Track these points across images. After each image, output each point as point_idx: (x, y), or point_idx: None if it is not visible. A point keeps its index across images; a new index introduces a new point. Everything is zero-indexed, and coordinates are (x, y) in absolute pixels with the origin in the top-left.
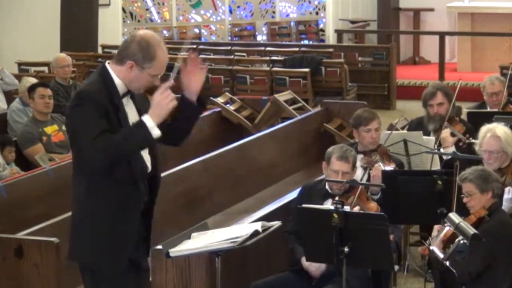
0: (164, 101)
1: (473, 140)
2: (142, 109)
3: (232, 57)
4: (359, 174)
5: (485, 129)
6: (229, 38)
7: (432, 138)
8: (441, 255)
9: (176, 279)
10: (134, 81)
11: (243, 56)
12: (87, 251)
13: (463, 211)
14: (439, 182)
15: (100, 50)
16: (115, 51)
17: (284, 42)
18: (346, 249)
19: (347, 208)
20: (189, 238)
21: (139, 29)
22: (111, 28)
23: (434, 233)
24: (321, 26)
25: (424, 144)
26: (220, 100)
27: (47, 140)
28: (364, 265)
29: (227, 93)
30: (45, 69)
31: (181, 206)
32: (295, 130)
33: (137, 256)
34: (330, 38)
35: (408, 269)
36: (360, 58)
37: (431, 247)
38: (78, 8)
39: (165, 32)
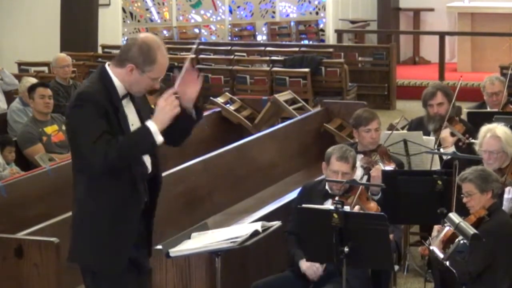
0: (168, 106)
1: (473, 140)
2: (142, 110)
3: (232, 57)
4: (358, 174)
5: (485, 129)
6: (229, 38)
7: (432, 138)
8: (441, 255)
9: (176, 279)
10: (134, 84)
11: (243, 56)
12: (87, 251)
13: (463, 211)
14: (439, 182)
15: (100, 50)
16: (115, 51)
17: (284, 42)
18: (346, 249)
19: (347, 208)
20: (189, 238)
21: (139, 29)
22: (111, 28)
23: (434, 233)
24: (321, 26)
25: (424, 144)
26: (220, 100)
27: (47, 140)
28: (364, 265)
29: (227, 93)
30: (45, 69)
31: (181, 206)
32: (295, 130)
33: (138, 256)
34: (330, 38)
35: (408, 269)
36: (360, 58)
37: (431, 247)
38: (78, 8)
39: (165, 32)
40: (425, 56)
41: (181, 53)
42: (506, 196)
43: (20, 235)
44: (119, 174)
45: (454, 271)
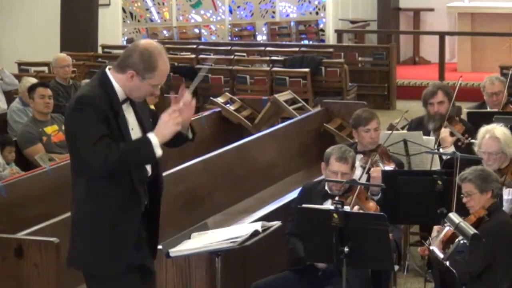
0: (171, 121)
1: (472, 140)
2: (142, 115)
3: (232, 57)
4: (357, 173)
5: (484, 130)
6: (229, 38)
7: (432, 138)
8: (441, 255)
9: (176, 279)
10: (134, 90)
11: (243, 56)
12: (87, 251)
13: (463, 211)
14: (439, 182)
15: (100, 50)
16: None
17: (284, 42)
18: (346, 249)
19: (347, 208)
20: (189, 238)
21: (139, 29)
22: (111, 28)
23: (434, 233)
24: (321, 26)
25: (424, 144)
26: (220, 100)
27: (47, 140)
28: (364, 265)
29: (227, 93)
30: (45, 69)
31: (181, 206)
32: (295, 130)
33: (138, 257)
34: (330, 38)
35: (408, 269)
36: (360, 58)
37: (431, 247)
38: (78, 8)
39: (165, 32)
40: (425, 56)
41: (181, 53)
42: (505, 197)
43: (20, 235)
44: (119, 177)
45: (454, 271)
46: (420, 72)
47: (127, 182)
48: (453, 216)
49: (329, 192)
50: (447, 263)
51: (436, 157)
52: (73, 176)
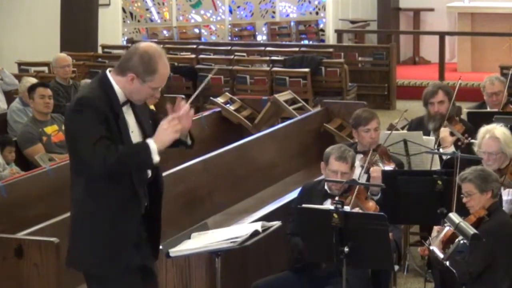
0: (170, 129)
1: (472, 140)
2: (142, 117)
3: (232, 57)
4: (357, 173)
5: (484, 130)
6: (229, 38)
7: (432, 138)
8: (441, 255)
9: (176, 279)
10: (134, 92)
11: (243, 56)
12: (87, 251)
13: (463, 211)
14: (439, 182)
15: (100, 50)
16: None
17: (284, 42)
18: (346, 249)
19: (347, 208)
20: (189, 238)
21: (139, 29)
22: (111, 28)
23: (434, 233)
24: (321, 26)
25: (424, 144)
26: (220, 100)
27: (47, 140)
28: (364, 265)
29: (227, 93)
30: (45, 69)
31: (181, 206)
32: (295, 130)
33: (138, 257)
34: (330, 38)
35: (408, 269)
36: (360, 58)
37: (431, 247)
38: (78, 8)
39: (165, 32)
40: (425, 56)
41: (181, 53)
42: (504, 198)
43: (20, 235)
44: (119, 178)
45: (454, 271)
46: (420, 72)
47: (127, 183)
48: (453, 216)
49: (328, 191)
50: (447, 263)
51: (436, 157)
52: (72, 176)
